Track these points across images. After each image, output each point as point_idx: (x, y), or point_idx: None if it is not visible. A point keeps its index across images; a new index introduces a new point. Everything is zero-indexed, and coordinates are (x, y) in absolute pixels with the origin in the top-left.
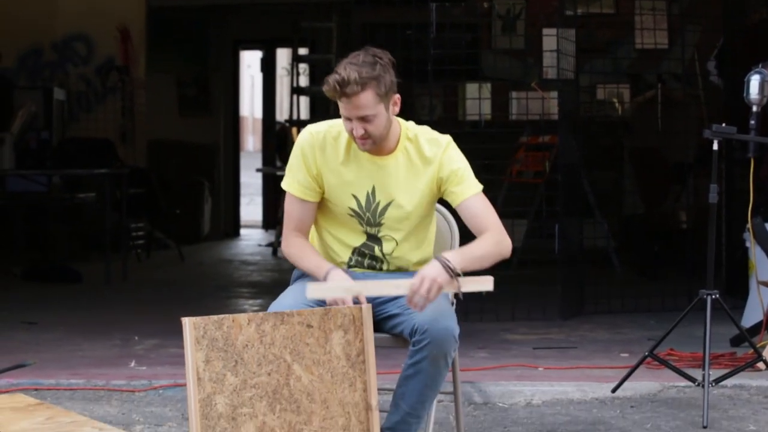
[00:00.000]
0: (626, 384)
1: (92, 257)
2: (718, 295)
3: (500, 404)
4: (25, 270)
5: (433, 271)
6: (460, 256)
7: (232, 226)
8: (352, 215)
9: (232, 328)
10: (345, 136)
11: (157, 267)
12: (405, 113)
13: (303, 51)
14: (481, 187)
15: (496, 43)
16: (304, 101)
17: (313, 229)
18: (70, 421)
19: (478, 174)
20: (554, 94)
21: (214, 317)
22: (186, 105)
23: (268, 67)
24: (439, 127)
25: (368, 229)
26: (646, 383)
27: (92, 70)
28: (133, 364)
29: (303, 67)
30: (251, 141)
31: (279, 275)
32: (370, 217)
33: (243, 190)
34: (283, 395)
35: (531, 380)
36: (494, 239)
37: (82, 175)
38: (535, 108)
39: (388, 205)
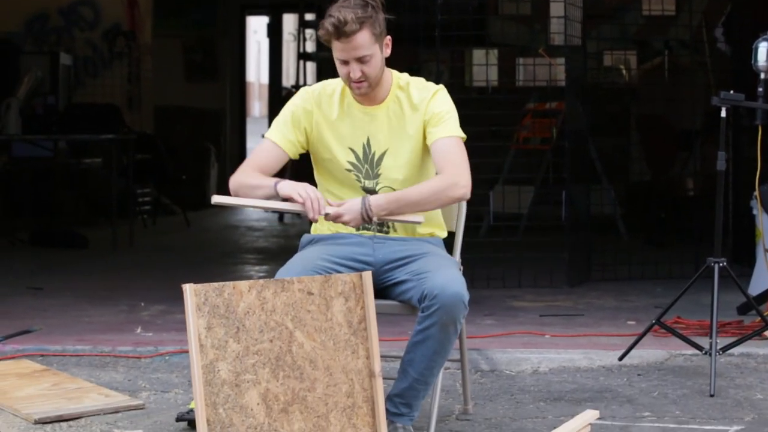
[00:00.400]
0: (633, 352)
1: (98, 223)
2: (725, 263)
3: (507, 372)
4: (31, 235)
5: (350, 207)
6: (386, 201)
7: None
8: (350, 170)
9: (233, 295)
10: (338, 92)
11: (164, 233)
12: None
13: (310, 16)
14: (459, 134)
15: (503, 9)
16: (310, 67)
17: None
18: (76, 387)
19: (485, 140)
20: (561, 60)
21: (215, 284)
22: (192, 70)
23: (274, 33)
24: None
25: (366, 183)
26: (653, 351)
27: (99, 36)
28: (139, 330)
29: (309, 32)
30: (257, 107)
31: (285, 241)
32: (368, 168)
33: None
34: (286, 362)
35: (538, 348)
36: (441, 182)
37: (89, 140)
38: (542, 74)
39: (383, 154)
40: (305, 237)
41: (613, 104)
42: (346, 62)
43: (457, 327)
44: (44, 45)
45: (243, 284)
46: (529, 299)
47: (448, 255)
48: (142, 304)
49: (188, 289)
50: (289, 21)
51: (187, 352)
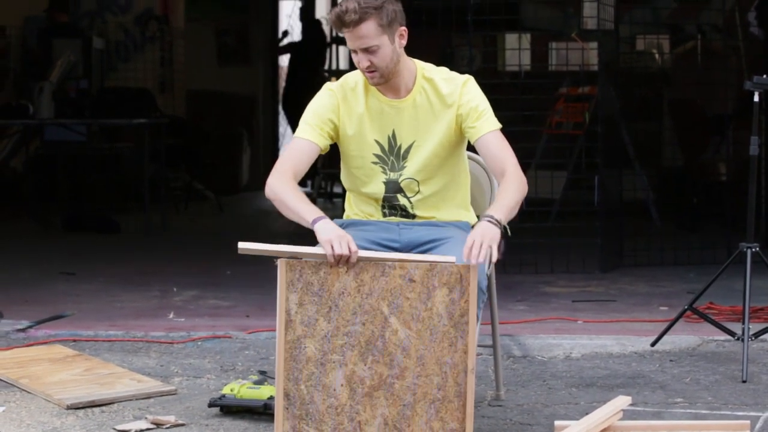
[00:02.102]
0: (665, 338)
1: (131, 208)
2: (758, 248)
3: (539, 357)
4: (64, 220)
5: (480, 230)
6: (500, 212)
7: None
8: (376, 162)
9: (330, 274)
10: (361, 84)
11: (196, 218)
12: (445, 63)
13: None
14: (499, 125)
15: None
16: (343, 51)
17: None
18: (109, 373)
19: (517, 124)
20: (594, 44)
21: (313, 261)
22: (225, 55)
23: (307, 16)
24: (478, 77)
25: (391, 175)
26: (685, 337)
27: (131, 20)
28: (171, 315)
29: None
30: None
31: None
32: (394, 160)
33: (282, 141)
34: (377, 347)
35: (570, 333)
36: (516, 184)
37: (121, 124)
38: (574, 59)
39: (410, 147)
40: (335, 222)
41: (646, 89)
42: (355, 51)
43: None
44: (77, 29)
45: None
46: (561, 285)
47: None
48: (175, 289)
49: (282, 263)
50: (322, 4)
51: (219, 337)
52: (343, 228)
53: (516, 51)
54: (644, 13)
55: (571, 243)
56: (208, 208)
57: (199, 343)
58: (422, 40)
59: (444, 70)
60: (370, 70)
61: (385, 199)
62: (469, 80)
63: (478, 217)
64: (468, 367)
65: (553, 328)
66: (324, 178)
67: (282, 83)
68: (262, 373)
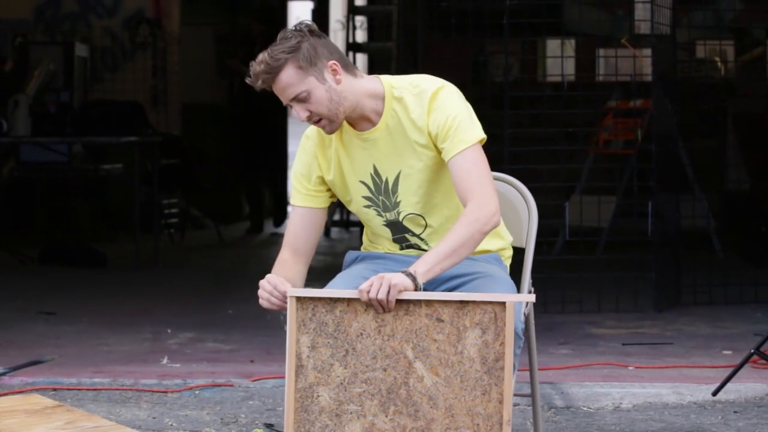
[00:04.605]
0: (729, 386)
1: (119, 238)
2: None
3: (584, 408)
4: (42, 252)
5: (389, 274)
6: (424, 263)
7: (278, 202)
8: (368, 206)
9: (346, 313)
10: None
11: (193, 249)
12: (477, 73)
13: (360, 1)
14: (473, 140)
15: None
16: (361, 59)
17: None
18: (94, 426)
19: (560, 143)
20: (647, 51)
21: (326, 297)
22: (226, 64)
23: (320, 20)
24: (516, 88)
25: (388, 216)
26: (751, 385)
27: (119, 23)
28: (165, 360)
29: (360, 20)
30: None
31: (332, 259)
32: (384, 200)
33: (291, 161)
34: (399, 396)
35: (620, 381)
36: (470, 224)
37: (108, 143)
38: (625, 68)
39: (397, 178)
40: (350, 254)
41: (707, 101)
42: (290, 105)
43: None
44: (57, 34)
45: (359, 302)
46: (609, 326)
47: (504, 275)
48: (169, 330)
49: (293, 300)
50: (337, 7)
51: (219, 385)
52: (358, 261)
53: (558, 59)
54: (705, 16)
55: (622, 278)
56: (206, 238)
57: (197, 392)
58: (451, 47)
59: (415, 81)
60: (314, 119)
61: (395, 240)
62: (439, 91)
63: (514, 248)
64: (504, 419)
65: (600, 374)
66: (339, 205)
67: None
68: (269, 426)
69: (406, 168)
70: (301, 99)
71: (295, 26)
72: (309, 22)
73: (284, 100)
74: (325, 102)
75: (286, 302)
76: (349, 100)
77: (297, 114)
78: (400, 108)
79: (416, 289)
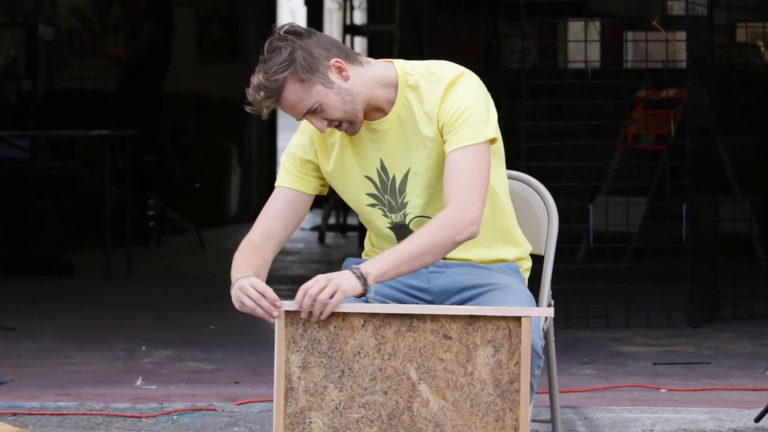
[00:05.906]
0: None
1: (88, 244)
2: None
3: None
4: (2, 261)
5: (334, 273)
6: (376, 265)
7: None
8: (372, 204)
9: (342, 329)
10: None
11: (171, 256)
12: (490, 59)
13: None
14: (478, 138)
15: None
16: (359, 42)
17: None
18: None
19: (583, 137)
20: (681, 35)
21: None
22: (209, 48)
23: (314, 0)
24: (534, 77)
25: (394, 218)
26: None
27: (88, 3)
28: (139, 381)
29: None
30: None
31: (327, 267)
32: (390, 200)
33: (279, 158)
34: (402, 422)
35: (651, 405)
36: (441, 222)
37: (75, 137)
38: (656, 53)
39: (405, 176)
40: (348, 262)
41: (749, 92)
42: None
43: (532, 382)
44: (18, 15)
45: (356, 316)
46: (639, 343)
47: (522, 287)
48: (143, 348)
49: (281, 315)
50: None
51: (200, 410)
52: None
53: (581, 43)
54: None
55: (652, 289)
56: (186, 243)
57: (175, 417)
58: (461, 30)
59: (432, 68)
60: (334, 125)
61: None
62: (459, 79)
63: (531, 255)
64: None
65: (629, 398)
66: (335, 207)
67: None
68: None
69: (416, 165)
70: (314, 111)
71: (278, 34)
72: (291, 25)
73: (296, 117)
74: (338, 106)
75: (274, 311)
76: (363, 94)
77: (316, 127)
78: (414, 97)
79: (363, 294)
